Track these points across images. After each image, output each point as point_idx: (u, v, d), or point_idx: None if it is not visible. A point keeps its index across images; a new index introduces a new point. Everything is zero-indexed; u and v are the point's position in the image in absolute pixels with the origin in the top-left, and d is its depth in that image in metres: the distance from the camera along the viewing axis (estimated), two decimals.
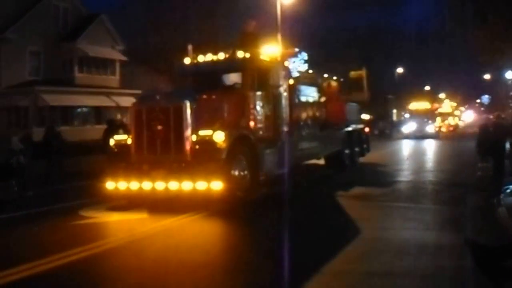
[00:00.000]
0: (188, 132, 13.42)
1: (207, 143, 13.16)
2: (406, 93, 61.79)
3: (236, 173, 13.53)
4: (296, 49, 17.03)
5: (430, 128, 49.24)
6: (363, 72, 23.94)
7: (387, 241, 8.90)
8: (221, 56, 15.77)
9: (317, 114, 18.50)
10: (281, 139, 15.71)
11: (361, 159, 22.44)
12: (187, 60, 16.15)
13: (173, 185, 12.99)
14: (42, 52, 41.82)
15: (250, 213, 12.65)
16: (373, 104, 66.31)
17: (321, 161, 19.97)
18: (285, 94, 15.89)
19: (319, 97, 19.82)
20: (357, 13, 58.52)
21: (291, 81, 16.91)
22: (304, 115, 17.24)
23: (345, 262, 7.74)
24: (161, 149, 13.65)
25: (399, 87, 66.49)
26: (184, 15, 42.76)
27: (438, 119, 56.05)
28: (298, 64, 34.20)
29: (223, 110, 14.48)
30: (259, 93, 15.08)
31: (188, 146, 13.39)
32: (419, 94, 62.34)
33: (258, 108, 15.00)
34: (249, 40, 16.42)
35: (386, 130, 54.32)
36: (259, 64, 15.37)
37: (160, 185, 13.15)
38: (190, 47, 16.20)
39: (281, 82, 15.62)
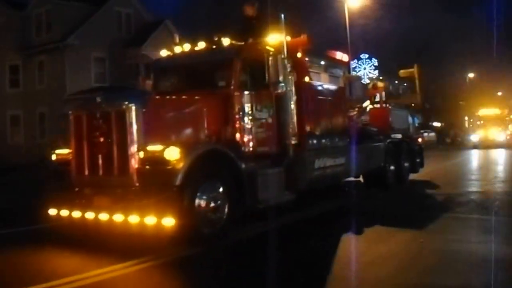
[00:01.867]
0: (134, 147, 8.62)
1: (156, 162, 8.35)
2: (477, 99, 54.54)
3: (203, 203, 8.63)
4: (305, 35, 11.40)
5: (501, 136, 41.86)
6: (414, 71, 18.16)
7: (462, 254, 7.83)
8: (203, 45, 10.60)
9: (347, 121, 12.90)
10: (288, 155, 10.52)
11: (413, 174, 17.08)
12: (164, 53, 11.01)
13: (118, 217, 8.52)
14: (107, 58, 38.93)
15: (221, 263, 8.21)
16: (445, 111, 60.47)
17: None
18: (293, 95, 10.74)
19: (355, 100, 14.47)
20: (426, 17, 51.64)
21: (307, 79, 11.53)
22: (325, 123, 11.88)
23: (421, 275, 6.85)
24: (104, 168, 8.98)
25: (470, 93, 59.18)
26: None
27: (510, 126, 48.38)
28: (369, 70, 27.99)
29: (193, 116, 9.60)
30: (251, 93, 10.05)
31: (133, 166, 8.60)
32: (490, 100, 54.66)
33: (249, 113, 9.96)
34: (249, 26, 11.24)
35: (458, 138, 48.04)
36: (253, 55, 10.34)
37: (103, 216, 8.73)
38: (176, 37, 11.14)
39: (287, 80, 10.35)
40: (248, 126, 9.84)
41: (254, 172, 9.68)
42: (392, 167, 14.99)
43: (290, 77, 10.50)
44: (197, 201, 8.48)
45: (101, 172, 8.94)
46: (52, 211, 9.59)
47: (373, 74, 22.90)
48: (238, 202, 9.18)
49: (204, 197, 8.62)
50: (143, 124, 8.64)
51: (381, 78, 16.58)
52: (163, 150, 8.26)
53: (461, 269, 7.13)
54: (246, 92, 9.72)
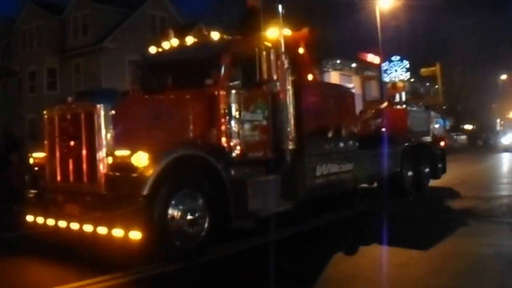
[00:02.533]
0: (103, 151, 7.43)
1: (123, 169, 7.19)
2: (510, 102, 51.86)
3: (178, 215, 7.41)
4: (306, 29, 10.08)
5: None
6: (436, 69, 16.51)
7: (494, 258, 7.22)
8: (190, 40, 9.32)
9: (357, 124, 11.48)
10: (284, 161, 9.16)
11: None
12: (152, 49, 9.77)
13: (88, 228, 7.47)
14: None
15: (197, 284, 6.98)
16: (477, 113, 57.77)
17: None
18: (291, 95, 9.33)
19: (372, 101, 13.06)
20: (458, 18, 49.14)
21: (310, 77, 10.16)
22: (329, 126, 10.41)
23: (453, 278, 6.45)
24: (73, 174, 7.84)
25: (503, 95, 56.37)
26: None
27: None
28: (401, 73, 26.60)
29: (171, 118, 8.33)
30: (241, 92, 8.68)
31: (101, 173, 7.42)
32: None
33: (239, 115, 8.60)
34: (250, 19, 9.95)
35: (490, 141, 45.70)
36: (244, 51, 8.99)
37: (74, 225, 7.70)
38: (171, 31, 9.96)
39: (284, 78, 9.04)
40: (238, 129, 8.54)
41: (243, 180, 8.42)
42: (410, 173, 13.42)
43: (287, 75, 9.07)
44: (170, 212, 7.29)
45: (71, 178, 7.81)
46: (29, 218, 8.56)
47: (404, 76, 21.33)
48: (221, 214, 7.88)
49: (179, 208, 7.42)
50: (114, 126, 7.42)
51: (406, 78, 15.03)
52: (130, 155, 7.06)
53: (493, 273, 6.74)
54: (234, 91, 8.40)
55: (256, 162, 8.94)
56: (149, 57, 9.80)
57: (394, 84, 14.61)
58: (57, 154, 7.98)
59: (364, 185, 12.58)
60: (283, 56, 9.07)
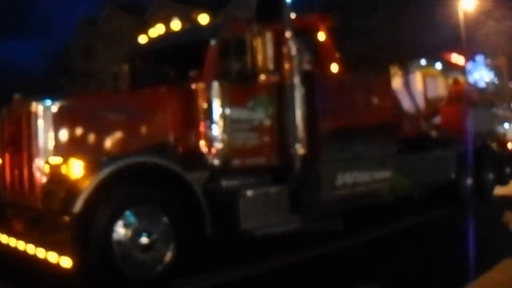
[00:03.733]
0: (41, 158, 5.76)
1: (56, 180, 5.49)
2: None
3: (127, 237, 5.57)
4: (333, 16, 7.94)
5: None
6: (501, 61, 13.63)
7: None
8: (176, 26, 7.40)
9: (397, 124, 9.10)
10: (293, 169, 7.07)
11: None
12: (143, 39, 7.92)
13: (30, 247, 5.81)
14: None
15: None
16: None
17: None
18: (301, 89, 7.23)
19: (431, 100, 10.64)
20: None
21: (335, 68, 8.00)
22: (356, 127, 8.19)
23: None
24: (18, 185, 6.25)
25: None
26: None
27: None
28: (485, 72, 23.39)
29: (134, 118, 6.42)
30: (230, 86, 6.69)
31: (37, 184, 5.77)
32: None
33: (227, 112, 6.63)
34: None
35: None
36: (238, 36, 6.86)
37: (21, 244, 6.02)
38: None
39: (292, 68, 7.07)
40: (226, 130, 6.59)
41: (234, 192, 6.41)
42: (469, 180, 10.80)
43: (296, 65, 6.98)
44: (116, 235, 5.37)
45: (16, 189, 6.18)
46: None
47: (488, 75, 18.45)
48: (193, 235, 5.93)
49: (130, 230, 5.47)
50: (58, 129, 5.68)
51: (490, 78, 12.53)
52: (62, 164, 5.26)
53: None
54: (219, 85, 6.39)
55: (256, 170, 6.93)
56: (137, 48, 7.97)
57: (456, 80, 12.02)
58: (5, 160, 6.38)
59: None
60: (290, 43, 6.96)
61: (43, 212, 5.59)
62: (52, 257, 5.35)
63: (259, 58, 6.76)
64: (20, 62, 48.00)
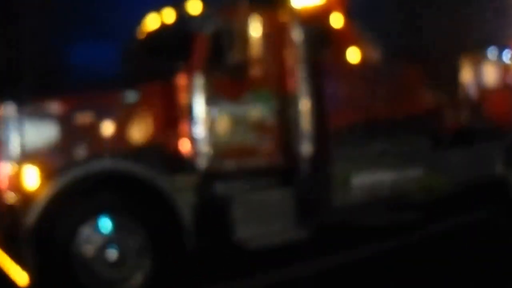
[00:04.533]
0: (4, 166, 5.08)
1: (14, 190, 4.93)
2: None
3: (93, 254, 4.87)
4: None
5: None
6: None
7: None
8: (170, 16, 6.59)
9: (430, 115, 7.86)
10: (299, 170, 6.25)
11: None
12: (142, 34, 7.20)
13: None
14: None
15: None
16: None
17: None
18: (307, 80, 6.29)
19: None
20: None
21: (356, 55, 7.01)
22: (377, 119, 7.06)
23: None
24: None
25: None
26: None
27: None
28: None
29: (108, 120, 5.58)
30: (220, 80, 5.86)
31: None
32: None
33: (217, 109, 5.82)
34: None
35: None
36: (229, 23, 6.01)
37: None
38: None
39: (295, 56, 6.16)
40: (219, 128, 5.75)
41: (226, 197, 5.61)
42: None
43: (301, 53, 6.04)
44: (78, 250, 4.68)
45: None
46: None
47: None
48: (173, 248, 5.17)
49: (95, 243, 4.79)
50: (26, 133, 5.06)
51: None
52: (18, 171, 4.64)
53: None
54: (203, 78, 5.53)
55: (256, 173, 6.07)
56: (131, 43, 7.24)
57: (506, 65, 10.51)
58: None
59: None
60: (294, 28, 6.03)
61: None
62: (12, 272, 4.74)
63: (254, 47, 5.84)
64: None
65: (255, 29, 5.87)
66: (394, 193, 7.07)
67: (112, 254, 4.89)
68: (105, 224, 4.90)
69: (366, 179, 6.76)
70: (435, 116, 7.90)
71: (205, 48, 5.76)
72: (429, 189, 7.58)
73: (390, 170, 7.03)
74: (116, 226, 4.96)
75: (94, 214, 4.87)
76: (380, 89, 7.10)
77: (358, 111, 6.78)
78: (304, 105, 6.20)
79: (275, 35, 6.09)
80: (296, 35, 6.11)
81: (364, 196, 6.72)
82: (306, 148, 6.21)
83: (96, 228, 4.86)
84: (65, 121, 5.19)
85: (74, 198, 4.76)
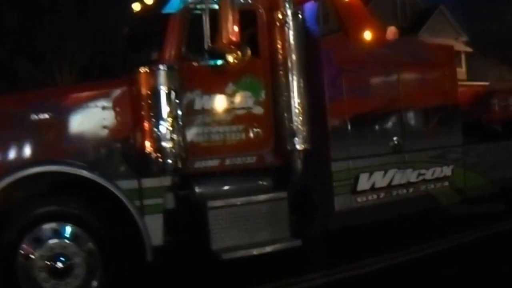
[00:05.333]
0: None
1: None
2: None
3: (36, 263, 4.31)
4: None
5: None
6: None
7: None
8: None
9: (458, 106, 6.64)
10: (293, 169, 5.33)
11: None
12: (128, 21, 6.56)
13: None
14: None
15: None
16: None
17: None
18: (300, 66, 5.26)
19: None
20: None
21: (367, 36, 6.00)
22: (392, 110, 6.05)
23: None
24: None
25: None
26: None
27: None
28: None
29: (62, 119, 4.79)
30: (196, 68, 5.12)
31: None
32: None
33: (187, 101, 5.01)
34: None
35: None
36: (207, 3, 5.09)
37: None
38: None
39: (286, 39, 5.20)
40: (195, 124, 5.07)
41: (201, 203, 4.90)
42: None
43: (293, 36, 5.13)
44: (21, 259, 4.18)
45: None
46: None
47: None
48: (127, 259, 4.53)
49: (38, 253, 4.21)
50: None
51: None
52: None
53: None
54: (165, 68, 4.77)
55: (239, 173, 5.29)
56: (123, 32, 6.57)
57: None
58: None
59: None
60: (285, 7, 5.14)
61: None
62: None
63: (237, 30, 4.99)
64: None
65: (238, 10, 5.00)
66: (412, 194, 6.03)
67: (59, 264, 4.30)
68: (53, 232, 4.30)
69: (378, 180, 5.83)
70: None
71: (180, 33, 4.99)
72: (458, 190, 6.42)
73: (410, 170, 5.98)
74: (65, 234, 4.35)
75: (41, 221, 4.30)
76: (394, 77, 6.04)
77: (365, 102, 5.78)
78: (299, 94, 5.24)
79: (262, 16, 5.23)
80: (288, 13, 5.18)
81: (373, 199, 5.73)
82: (301, 144, 5.26)
83: (43, 236, 4.28)
84: (13, 122, 4.60)
85: (17, 203, 4.21)
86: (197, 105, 5.06)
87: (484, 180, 6.69)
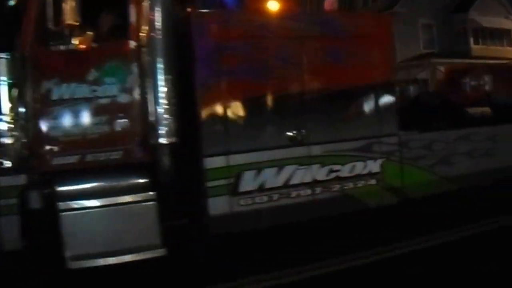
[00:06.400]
0: None
1: None
2: None
3: None
4: None
5: None
6: None
7: None
8: None
9: (390, 86, 5.33)
10: (159, 167, 4.41)
11: None
12: None
13: None
14: (434, 25, 32.43)
15: None
16: None
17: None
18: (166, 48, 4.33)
19: None
20: None
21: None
22: (297, 95, 4.87)
23: None
24: None
25: None
26: None
27: None
28: None
29: None
30: (52, 51, 4.27)
31: None
32: None
33: (48, 90, 4.20)
34: None
35: None
36: None
37: None
38: None
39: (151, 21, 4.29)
40: (50, 116, 4.30)
41: (51, 206, 4.24)
42: None
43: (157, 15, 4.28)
44: None
45: None
46: None
47: None
48: None
49: None
50: None
51: None
52: None
53: None
54: (34, 52, 4.12)
55: (101, 171, 4.45)
56: None
57: None
58: None
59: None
60: None
61: None
62: None
63: (71, 11, 4.14)
64: None
65: None
66: (319, 196, 4.91)
67: None
68: None
69: (272, 179, 4.69)
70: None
71: (35, 17, 4.23)
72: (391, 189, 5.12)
73: (312, 164, 4.78)
74: None
75: None
76: (296, 53, 4.89)
77: (252, 85, 4.66)
78: (164, 79, 4.30)
79: None
80: None
81: (262, 203, 4.63)
82: (166, 137, 4.32)
83: None
84: None
85: None
86: (55, 95, 4.28)
87: (432, 177, 5.30)
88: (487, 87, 6.22)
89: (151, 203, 4.37)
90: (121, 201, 4.35)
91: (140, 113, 4.43)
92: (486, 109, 6.34)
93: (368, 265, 4.49)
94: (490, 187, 5.73)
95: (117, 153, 4.44)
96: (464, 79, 6.11)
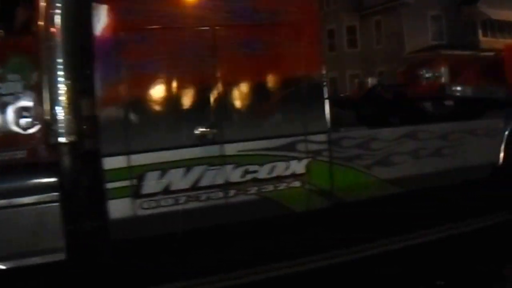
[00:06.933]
0: None
1: None
2: None
3: None
4: None
5: None
6: None
7: None
8: None
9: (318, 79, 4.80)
10: (61, 167, 4.07)
11: None
12: None
13: None
14: (443, 16, 31.30)
15: None
16: None
17: None
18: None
19: None
20: None
21: None
22: (208, 88, 4.42)
23: None
24: None
25: None
26: None
27: None
28: None
29: None
30: None
31: None
32: None
33: None
34: None
35: None
36: None
37: None
38: None
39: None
40: None
41: None
42: None
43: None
44: None
45: None
46: None
47: None
48: None
49: None
50: None
51: None
52: None
53: None
54: None
55: (13, 170, 4.10)
56: None
57: None
58: None
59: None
60: None
61: None
62: None
63: None
64: None
65: None
66: (239, 199, 4.37)
67: None
68: None
69: (180, 181, 4.28)
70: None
71: None
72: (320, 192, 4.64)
73: (225, 165, 4.34)
74: None
75: None
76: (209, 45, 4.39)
77: (156, 79, 4.22)
78: (63, 75, 3.91)
79: None
80: None
81: (170, 205, 4.19)
82: (64, 136, 3.93)
83: None
84: None
85: None
86: None
87: (369, 179, 4.79)
88: (443, 80, 5.64)
89: (54, 204, 3.99)
90: (23, 202, 4.00)
91: (42, 111, 4.06)
92: (443, 105, 5.79)
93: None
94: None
95: (21, 153, 4.09)
96: (421, 71, 5.55)
